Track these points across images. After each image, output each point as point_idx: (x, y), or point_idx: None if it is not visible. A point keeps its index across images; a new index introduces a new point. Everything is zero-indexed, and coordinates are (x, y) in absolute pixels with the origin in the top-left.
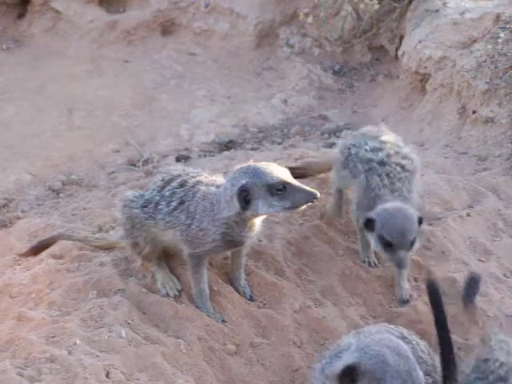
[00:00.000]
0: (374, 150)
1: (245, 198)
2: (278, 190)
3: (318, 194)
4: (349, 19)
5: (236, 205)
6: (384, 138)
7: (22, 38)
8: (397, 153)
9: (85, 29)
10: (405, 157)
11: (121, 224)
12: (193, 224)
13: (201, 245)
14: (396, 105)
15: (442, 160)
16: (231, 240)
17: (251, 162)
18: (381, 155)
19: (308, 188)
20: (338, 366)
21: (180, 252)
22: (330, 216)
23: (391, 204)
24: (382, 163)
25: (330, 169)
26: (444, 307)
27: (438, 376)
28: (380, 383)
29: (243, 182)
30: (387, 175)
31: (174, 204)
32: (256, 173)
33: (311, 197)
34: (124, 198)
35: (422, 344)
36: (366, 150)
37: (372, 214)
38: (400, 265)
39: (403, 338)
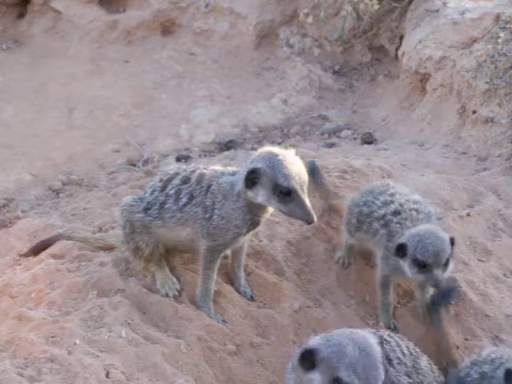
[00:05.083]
0: (385, 204)
1: (252, 179)
2: (282, 193)
3: (315, 220)
4: (349, 19)
5: (242, 181)
6: (391, 191)
7: (22, 37)
8: (407, 200)
9: (85, 29)
10: (416, 202)
11: (120, 230)
12: (213, 215)
13: (223, 235)
14: (396, 105)
15: (441, 160)
16: (251, 219)
17: (277, 148)
18: (393, 206)
19: (310, 209)
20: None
21: (186, 250)
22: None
23: (420, 227)
24: (396, 213)
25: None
26: None
27: (422, 377)
28: (334, 372)
29: (259, 165)
30: (405, 220)
31: (184, 200)
32: (274, 164)
33: (307, 218)
34: (123, 203)
35: (405, 345)
36: (378, 206)
37: (402, 239)
38: (437, 284)
39: (383, 340)
